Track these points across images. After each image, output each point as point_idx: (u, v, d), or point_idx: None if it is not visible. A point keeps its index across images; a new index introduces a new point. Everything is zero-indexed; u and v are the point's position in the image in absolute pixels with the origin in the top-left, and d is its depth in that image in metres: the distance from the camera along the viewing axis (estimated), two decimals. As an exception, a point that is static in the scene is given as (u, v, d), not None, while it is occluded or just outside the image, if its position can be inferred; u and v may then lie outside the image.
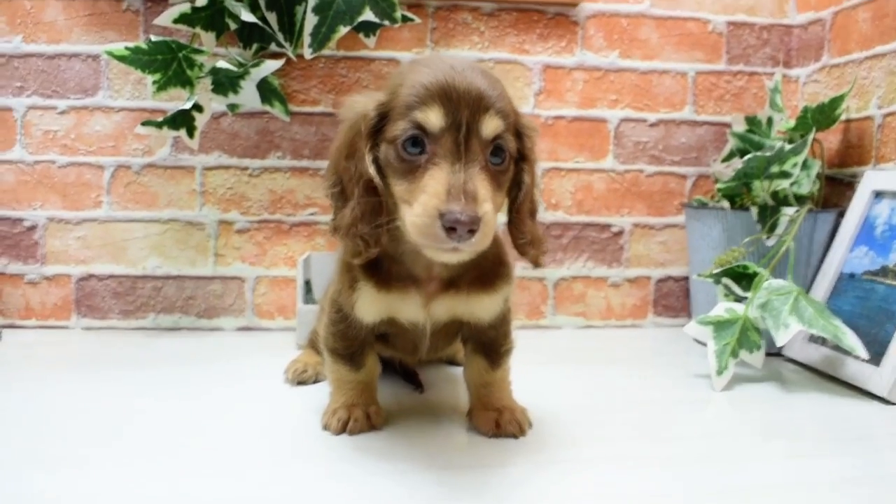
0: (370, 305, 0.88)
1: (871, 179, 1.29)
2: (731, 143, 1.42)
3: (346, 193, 0.82)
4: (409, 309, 0.88)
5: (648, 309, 1.58)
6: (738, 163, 1.33)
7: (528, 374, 1.16)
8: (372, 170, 0.79)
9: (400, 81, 0.80)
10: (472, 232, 0.72)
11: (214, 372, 1.18)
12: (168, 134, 1.34)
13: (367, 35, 1.39)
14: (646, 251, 1.56)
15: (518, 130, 0.83)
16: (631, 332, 1.53)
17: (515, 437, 0.89)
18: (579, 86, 1.53)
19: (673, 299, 1.58)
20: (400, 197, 0.78)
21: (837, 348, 1.16)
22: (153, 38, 1.26)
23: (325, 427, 0.91)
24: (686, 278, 1.57)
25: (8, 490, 0.72)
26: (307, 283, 1.40)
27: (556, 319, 1.55)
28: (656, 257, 1.57)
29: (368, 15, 1.30)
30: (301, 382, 1.11)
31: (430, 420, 0.95)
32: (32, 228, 1.45)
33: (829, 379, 1.17)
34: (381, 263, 0.87)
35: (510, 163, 0.81)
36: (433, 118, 0.76)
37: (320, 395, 1.00)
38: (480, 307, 0.90)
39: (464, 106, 0.76)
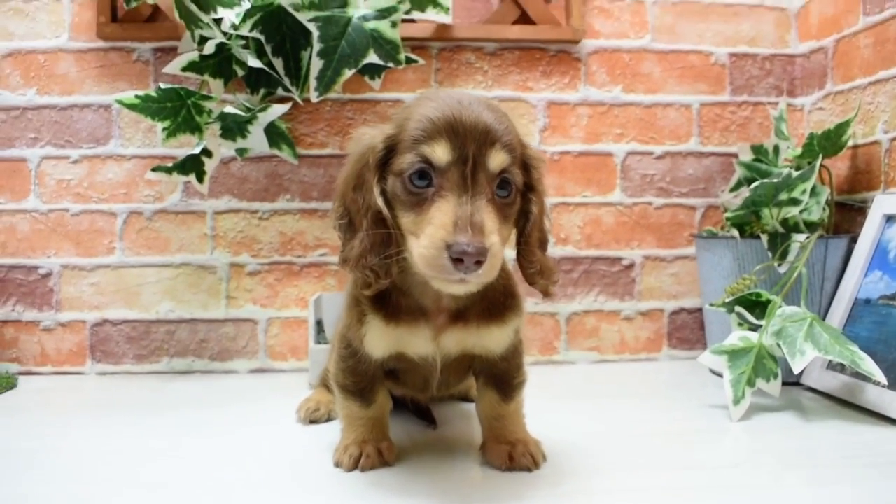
0: (379, 339, 0.88)
1: (881, 204, 1.28)
2: (739, 173, 1.42)
3: (354, 225, 0.83)
4: (419, 342, 0.88)
5: (663, 342, 1.57)
6: (746, 192, 1.33)
7: (541, 409, 1.15)
8: (380, 202, 0.80)
9: (407, 115, 0.81)
10: (479, 263, 0.72)
11: (228, 414, 1.17)
12: (178, 179, 1.35)
13: (372, 77, 1.41)
14: (658, 283, 1.55)
15: (525, 162, 0.84)
16: (646, 366, 1.52)
17: (529, 470, 0.88)
18: (584, 121, 1.54)
19: (687, 331, 1.57)
20: (407, 229, 0.78)
21: (856, 375, 1.15)
22: (162, 86, 1.28)
23: (337, 464, 0.90)
24: (699, 310, 1.56)
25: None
26: (318, 323, 1.40)
27: (570, 355, 1.54)
28: (668, 289, 1.56)
29: (373, 58, 1.32)
30: (313, 421, 1.11)
31: (442, 455, 0.95)
32: (47, 276, 1.47)
33: (849, 406, 1.16)
34: (390, 296, 0.87)
35: (517, 195, 0.81)
36: (440, 152, 0.76)
37: (333, 434, 0.99)
38: (491, 339, 0.89)
39: (470, 140, 0.77)
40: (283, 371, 1.50)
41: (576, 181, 1.54)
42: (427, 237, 0.74)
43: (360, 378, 0.91)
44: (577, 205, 1.54)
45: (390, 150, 0.81)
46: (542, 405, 1.19)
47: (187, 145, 1.37)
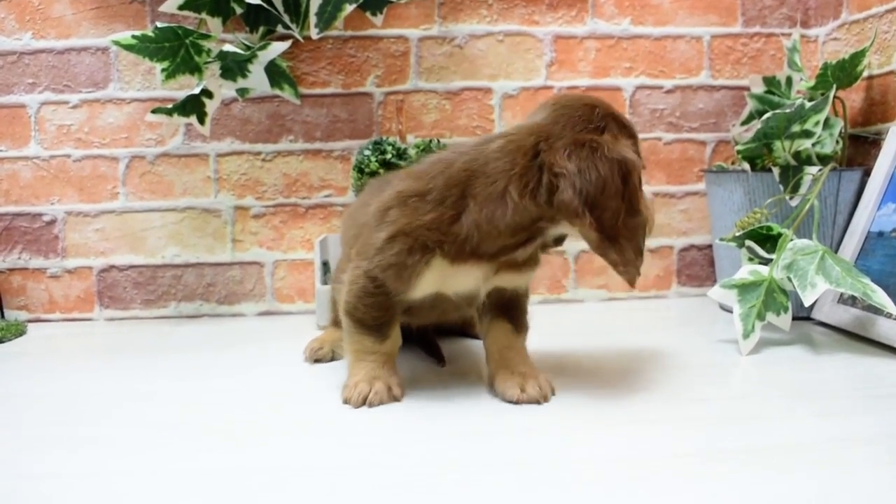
0: (435, 279, 0.87)
1: (895, 136, 1.25)
2: (750, 106, 1.39)
3: None
4: (469, 281, 0.89)
5: (672, 279, 1.56)
6: (757, 125, 1.30)
7: (550, 346, 1.15)
8: None
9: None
10: None
11: (236, 356, 1.17)
12: (179, 121, 1.33)
13: (374, 13, 1.38)
14: (667, 220, 1.53)
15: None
16: (655, 303, 1.51)
17: (539, 402, 0.88)
18: (592, 55, 1.51)
19: (697, 268, 1.56)
20: None
21: (868, 308, 1.13)
22: (159, 25, 1.25)
23: (346, 401, 0.90)
24: (709, 246, 1.54)
25: (33, 470, 0.72)
26: (325, 265, 1.39)
27: (578, 293, 1.53)
28: (678, 226, 1.54)
29: (374, -9, 1.29)
30: (317, 360, 1.10)
31: (450, 390, 0.94)
32: (52, 223, 1.46)
33: (860, 339, 1.14)
34: (463, 239, 0.85)
35: None
36: None
37: (341, 373, 0.99)
38: (524, 279, 0.94)
39: None
40: (290, 313, 1.49)
41: (583, 117, 1.51)
42: None
43: (382, 313, 0.90)
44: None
45: None
46: (551, 342, 1.18)
47: (188, 87, 1.35)
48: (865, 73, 1.36)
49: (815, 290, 1.05)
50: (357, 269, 0.91)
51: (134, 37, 1.26)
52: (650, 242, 1.45)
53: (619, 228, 0.83)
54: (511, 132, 0.88)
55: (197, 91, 1.29)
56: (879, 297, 1.03)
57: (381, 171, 1.29)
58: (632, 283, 0.86)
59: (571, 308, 1.48)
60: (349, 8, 1.28)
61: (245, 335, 1.33)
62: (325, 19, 1.29)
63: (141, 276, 1.48)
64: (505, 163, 0.84)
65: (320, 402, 0.91)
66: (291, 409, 0.90)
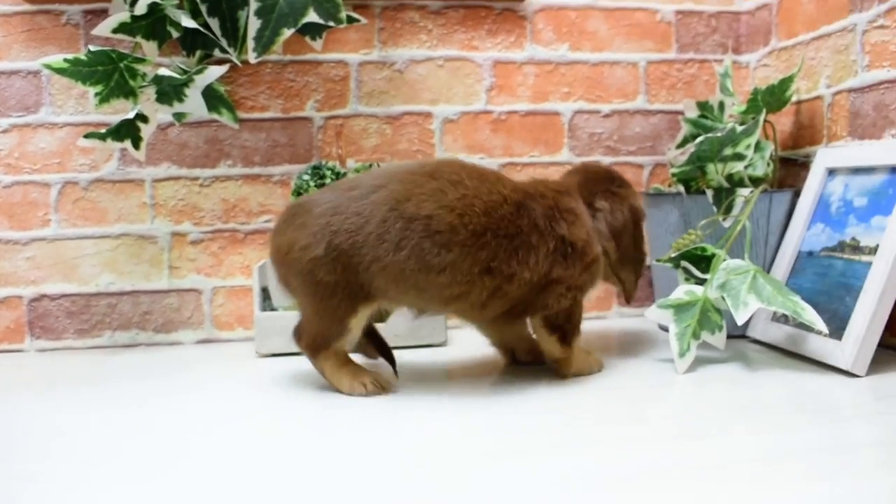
0: None
1: (823, 157, 1.29)
2: (685, 129, 1.42)
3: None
4: None
5: (613, 300, 1.57)
6: (692, 149, 1.33)
7: (491, 368, 1.15)
8: None
9: None
10: None
11: (174, 385, 1.15)
12: (113, 146, 1.31)
13: (313, 37, 1.37)
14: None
15: None
16: (596, 324, 1.52)
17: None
18: (531, 80, 1.53)
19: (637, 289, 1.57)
20: None
21: (799, 325, 1.16)
22: (92, 48, 1.23)
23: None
24: (648, 267, 1.56)
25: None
26: (264, 291, 1.37)
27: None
28: (617, 248, 1.56)
29: (313, 16, 1.28)
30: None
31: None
32: (-21, 251, 1.42)
33: (793, 356, 1.17)
34: None
35: None
36: None
37: (282, 400, 0.98)
38: None
39: None
40: (230, 341, 1.47)
41: (523, 141, 1.53)
42: None
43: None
44: (525, 165, 1.53)
45: None
46: (492, 361, 1.18)
47: (123, 111, 1.33)
48: (794, 99, 1.40)
49: (747, 309, 1.07)
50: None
51: (66, 60, 1.23)
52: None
53: (628, 258, 1.15)
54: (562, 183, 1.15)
55: (131, 116, 1.27)
56: (809, 314, 1.05)
57: (320, 195, 1.28)
58: (628, 300, 1.22)
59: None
60: (287, 33, 1.28)
61: (183, 364, 1.30)
62: (264, 44, 1.29)
63: (74, 305, 1.44)
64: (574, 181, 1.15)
65: (259, 431, 0.90)
66: (230, 438, 0.88)
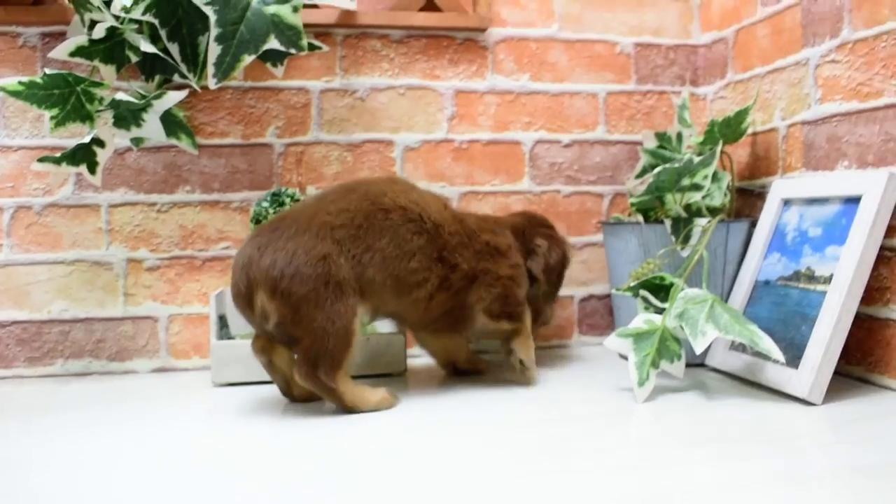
0: None
1: (779, 188, 1.31)
2: (643, 160, 1.44)
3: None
4: None
5: (574, 328, 1.58)
6: (651, 178, 1.34)
7: (446, 395, 1.14)
8: None
9: None
10: None
11: (126, 415, 1.12)
12: (68, 170, 1.29)
13: (274, 64, 1.37)
14: (568, 271, 1.55)
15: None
16: (557, 353, 1.52)
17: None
18: (492, 109, 1.54)
19: (597, 317, 1.58)
20: None
21: (757, 354, 1.17)
22: (48, 71, 1.21)
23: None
24: (608, 296, 1.57)
25: None
26: (221, 319, 1.35)
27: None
28: (578, 276, 1.57)
29: (274, 44, 1.28)
30: None
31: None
32: (-74, 276, 1.38)
33: (751, 385, 1.18)
34: None
35: None
36: None
37: (240, 432, 0.96)
38: None
39: None
40: (186, 370, 1.44)
41: (485, 170, 1.53)
42: None
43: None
44: (486, 193, 1.53)
45: None
46: (447, 392, 1.17)
47: (79, 136, 1.31)
48: (750, 130, 1.42)
49: (705, 338, 1.08)
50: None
51: (21, 83, 1.21)
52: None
53: (552, 294, 1.34)
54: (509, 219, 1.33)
55: (87, 140, 1.26)
56: (765, 343, 1.06)
57: (280, 221, 1.27)
58: (545, 324, 1.37)
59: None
60: (248, 59, 1.27)
61: (137, 393, 1.27)
62: (224, 70, 1.28)
63: (25, 333, 1.40)
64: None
65: (214, 464, 0.88)
66: (185, 470, 0.86)
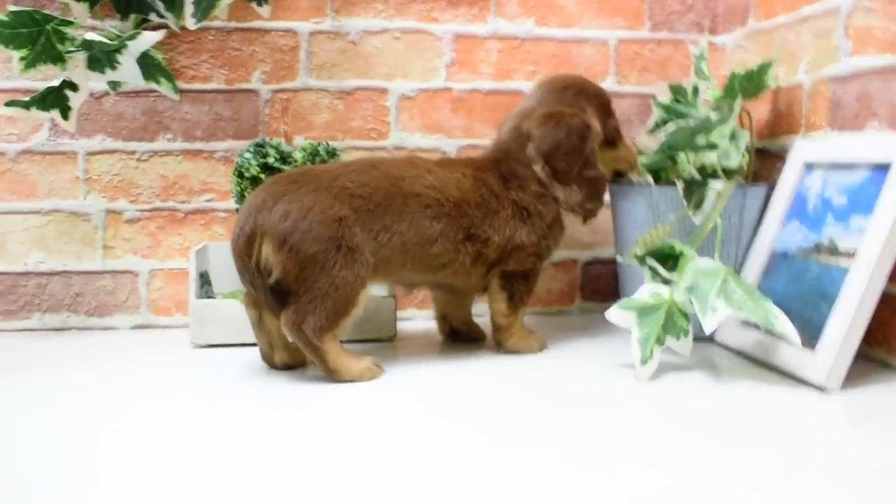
0: None
1: (801, 150, 1.21)
2: (656, 114, 1.33)
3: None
4: None
5: (576, 294, 1.50)
6: (662, 136, 1.25)
7: (435, 364, 1.09)
8: None
9: None
10: None
11: (106, 374, 1.08)
12: (38, 115, 1.20)
13: (259, 3, 1.27)
14: (571, 232, 1.46)
15: None
16: (559, 320, 1.44)
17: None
18: (494, 56, 1.43)
19: (602, 283, 1.50)
20: None
21: (771, 332, 1.08)
22: (13, 8, 1.12)
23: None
24: (615, 261, 1.49)
25: None
26: (203, 276, 1.28)
27: (477, 307, 1.45)
28: (582, 238, 1.49)
29: (258, -20, 1.18)
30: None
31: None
32: None
33: (763, 366, 1.10)
34: None
35: None
36: None
37: (217, 393, 0.94)
38: None
39: None
40: (168, 327, 1.38)
41: (485, 121, 1.44)
42: None
43: None
44: (486, 147, 1.43)
45: None
46: (437, 363, 1.11)
47: (54, 78, 1.22)
48: (772, 85, 1.32)
49: (715, 315, 1.00)
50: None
51: (-16, 20, 1.12)
52: (556, 256, 1.39)
53: (574, 177, 1.17)
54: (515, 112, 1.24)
55: (56, 83, 1.17)
56: (781, 325, 0.98)
57: (263, 175, 1.19)
58: (583, 221, 1.23)
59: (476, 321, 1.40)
60: (229, -3, 1.18)
61: (117, 350, 1.22)
62: (203, 8, 1.18)
63: (1, 285, 1.34)
64: (510, 131, 1.21)
65: (197, 430, 0.82)
66: (165, 438, 0.81)
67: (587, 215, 1.21)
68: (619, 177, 1.31)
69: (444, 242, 1.09)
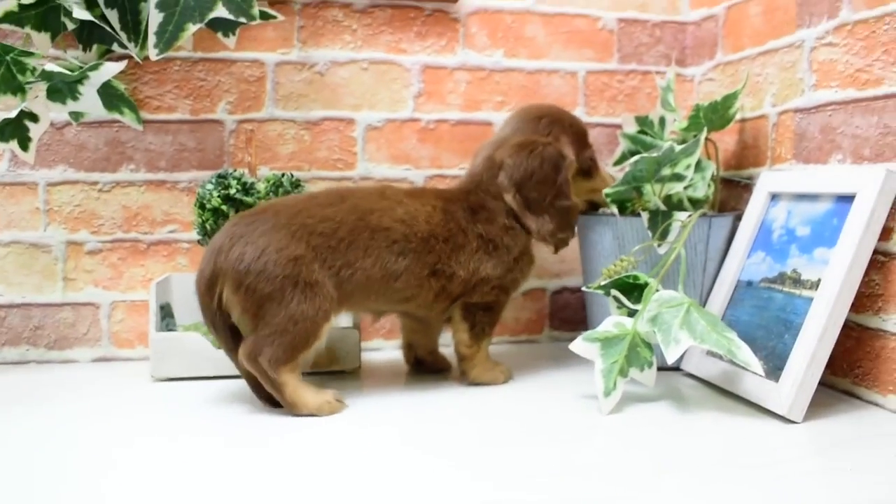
0: None
1: (766, 181, 1.21)
2: (623, 145, 1.34)
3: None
4: None
5: (545, 323, 1.49)
6: (627, 167, 1.24)
7: (407, 399, 1.06)
8: None
9: None
10: None
11: (65, 408, 1.06)
12: (-4, 146, 1.19)
13: (225, 34, 1.26)
14: (539, 262, 1.45)
15: None
16: (527, 348, 1.43)
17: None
18: (462, 87, 1.43)
19: (570, 312, 1.49)
20: None
21: (735, 363, 1.08)
22: (-28, 37, 1.11)
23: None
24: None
25: None
26: (165, 308, 1.26)
27: (445, 336, 1.43)
28: (551, 268, 1.48)
29: (222, 11, 1.17)
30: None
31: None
32: None
33: (728, 395, 1.09)
34: None
35: None
36: None
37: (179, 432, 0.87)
38: None
39: None
40: (130, 359, 1.35)
41: (453, 152, 1.43)
42: None
43: None
44: (454, 177, 1.43)
45: None
46: (401, 395, 1.09)
47: (14, 108, 1.20)
48: (739, 116, 1.32)
49: (678, 347, 0.99)
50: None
51: (-59, 50, 1.11)
52: (527, 284, 1.37)
53: (546, 207, 1.16)
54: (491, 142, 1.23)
55: (13, 114, 1.15)
56: (744, 354, 0.97)
57: (224, 207, 1.17)
58: (555, 251, 1.22)
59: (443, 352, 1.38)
60: (193, 28, 1.16)
61: (77, 384, 1.19)
62: (166, 40, 1.17)
63: (-42, 318, 1.31)
64: (483, 161, 1.19)
65: (162, 466, 0.80)
66: (130, 473, 0.78)
67: (559, 245, 1.20)
68: (594, 209, 1.29)
69: (409, 278, 1.08)
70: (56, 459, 0.85)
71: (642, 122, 1.33)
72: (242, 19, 1.18)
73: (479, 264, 1.12)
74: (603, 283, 1.11)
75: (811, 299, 1.01)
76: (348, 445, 0.90)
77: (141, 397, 1.12)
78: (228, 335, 1.05)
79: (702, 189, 1.23)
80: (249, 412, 1.03)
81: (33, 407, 1.06)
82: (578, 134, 1.24)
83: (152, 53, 1.17)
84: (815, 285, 1.02)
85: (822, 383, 1.01)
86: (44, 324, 1.33)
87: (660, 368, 1.10)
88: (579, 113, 1.47)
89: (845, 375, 1.09)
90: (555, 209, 1.16)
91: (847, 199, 1.03)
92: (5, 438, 0.93)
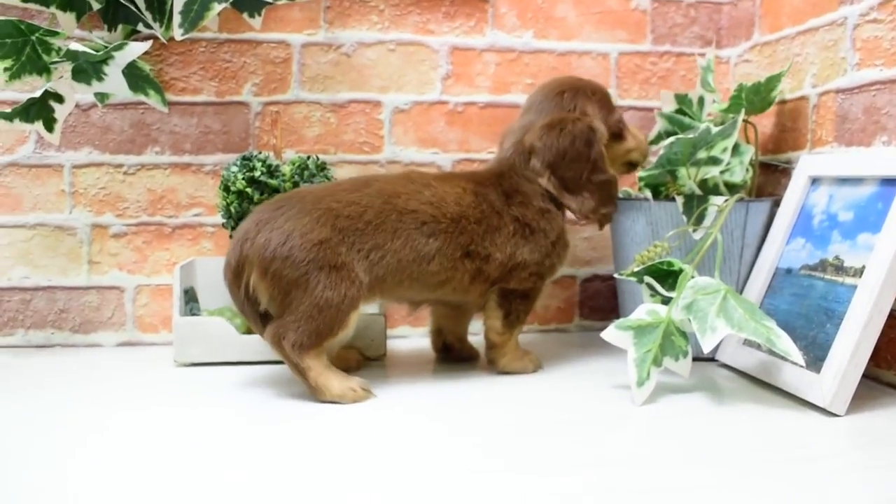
0: None
1: (806, 164, 1.17)
2: (659, 125, 1.30)
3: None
4: None
5: (574, 311, 1.46)
6: (662, 150, 1.21)
7: (434, 389, 1.04)
8: None
9: None
10: None
11: (90, 392, 1.05)
12: (21, 127, 1.18)
13: (251, 14, 1.24)
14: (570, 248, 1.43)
15: None
16: (556, 337, 1.40)
17: None
18: (491, 69, 1.40)
19: (601, 300, 1.46)
20: None
21: (774, 352, 1.04)
22: (-2, 18, 1.10)
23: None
24: (613, 277, 1.45)
25: None
26: (189, 292, 1.25)
27: (474, 325, 1.41)
28: (581, 255, 1.44)
29: (247, -10, 1.16)
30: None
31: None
32: None
33: (766, 387, 1.05)
34: None
35: None
36: None
37: (207, 415, 0.89)
38: None
39: None
40: (154, 344, 1.34)
41: (481, 135, 1.40)
42: None
43: None
44: (482, 161, 1.40)
45: None
46: (428, 384, 1.07)
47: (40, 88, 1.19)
48: (778, 98, 1.28)
49: (714, 335, 0.96)
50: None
51: (-33, 30, 1.10)
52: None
53: (584, 184, 1.13)
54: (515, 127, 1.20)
55: (38, 94, 1.14)
56: (783, 343, 0.93)
57: (249, 189, 1.15)
58: (600, 227, 1.20)
59: (470, 340, 1.36)
60: (218, 7, 1.14)
61: (100, 368, 1.19)
62: (191, 19, 1.15)
63: (-16, 300, 1.31)
64: (512, 146, 1.16)
65: (184, 451, 0.79)
66: (152, 458, 0.77)
67: (602, 220, 1.17)
68: (632, 167, 1.25)
69: (442, 260, 1.06)
70: (80, 443, 0.84)
71: (682, 100, 1.29)
72: (268, -1, 1.17)
73: (516, 248, 1.10)
74: (636, 269, 1.08)
75: (855, 287, 0.96)
76: (376, 431, 0.88)
77: (164, 382, 1.10)
78: (260, 322, 1.04)
79: (739, 173, 1.20)
80: (273, 397, 1.02)
81: (57, 390, 1.06)
82: (603, 100, 1.19)
83: (177, 33, 1.15)
84: (858, 272, 0.98)
85: (865, 375, 0.97)
86: (69, 307, 1.33)
87: (694, 359, 1.06)
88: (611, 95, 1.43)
89: (890, 367, 1.05)
90: (593, 185, 1.13)
91: (893, 183, 0.99)
92: (30, 421, 0.92)
